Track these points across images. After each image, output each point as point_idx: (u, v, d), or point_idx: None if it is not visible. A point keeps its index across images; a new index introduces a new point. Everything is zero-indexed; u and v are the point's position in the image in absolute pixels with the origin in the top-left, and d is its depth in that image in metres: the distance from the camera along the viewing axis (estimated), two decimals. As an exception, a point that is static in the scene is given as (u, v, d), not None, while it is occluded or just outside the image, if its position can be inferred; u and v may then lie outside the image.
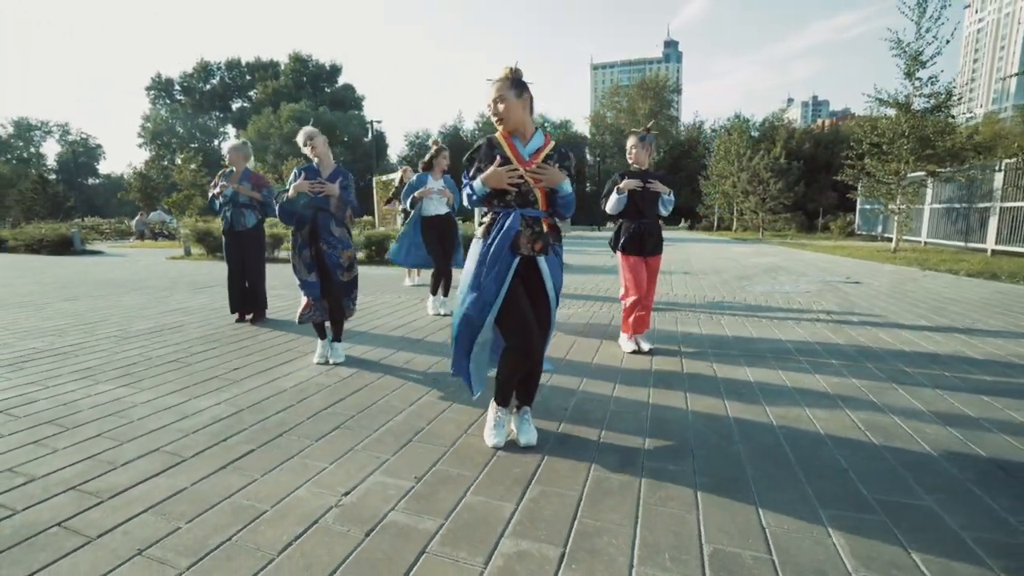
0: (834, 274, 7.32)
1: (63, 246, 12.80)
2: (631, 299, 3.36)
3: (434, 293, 4.68)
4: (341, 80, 55.24)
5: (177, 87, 55.77)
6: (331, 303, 3.14)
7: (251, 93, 55.32)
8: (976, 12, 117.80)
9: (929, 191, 11.82)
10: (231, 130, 57.19)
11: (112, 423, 2.20)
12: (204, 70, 55.53)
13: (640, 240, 3.35)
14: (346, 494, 1.62)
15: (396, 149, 51.46)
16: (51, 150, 65.26)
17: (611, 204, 3.33)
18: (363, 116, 51.27)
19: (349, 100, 53.12)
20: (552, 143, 1.98)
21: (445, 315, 4.50)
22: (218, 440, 2.03)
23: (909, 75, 10.40)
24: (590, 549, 1.35)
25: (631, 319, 3.38)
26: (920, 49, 10.24)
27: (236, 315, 4.39)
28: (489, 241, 1.91)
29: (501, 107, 1.86)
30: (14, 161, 58.76)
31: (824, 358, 3.15)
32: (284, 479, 1.72)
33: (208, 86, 56.00)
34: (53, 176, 45.30)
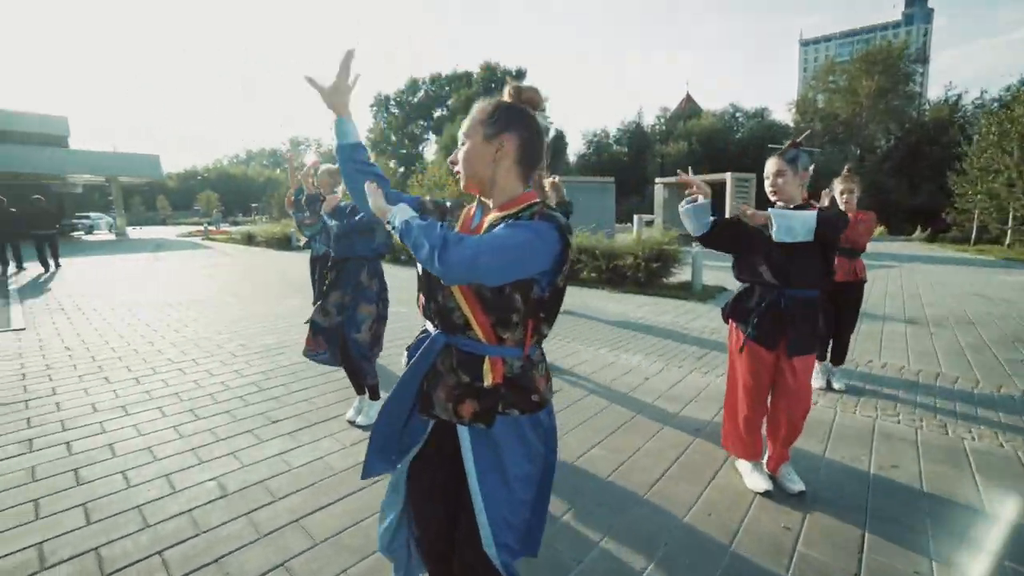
0: None
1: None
2: (742, 417, 2.40)
3: None
4: (526, 83, 57.86)
5: (392, 102, 65.53)
6: (346, 363, 3.08)
7: (448, 102, 61.90)
8: None
9: None
10: (432, 136, 65.21)
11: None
12: (413, 86, 64.17)
13: (778, 323, 2.23)
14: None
15: (574, 149, 52.07)
16: (309, 160, 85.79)
17: (684, 219, 2.23)
18: (545, 117, 53.08)
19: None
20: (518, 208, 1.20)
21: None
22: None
23: None
24: None
25: (744, 435, 2.43)
26: None
27: None
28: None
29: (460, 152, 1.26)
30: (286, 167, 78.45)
31: None
32: None
33: (415, 99, 64.54)
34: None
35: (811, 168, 2.22)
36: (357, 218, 2.87)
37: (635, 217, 11.08)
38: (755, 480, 2.38)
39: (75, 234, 26.69)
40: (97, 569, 1.89)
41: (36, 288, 9.01)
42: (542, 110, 1.28)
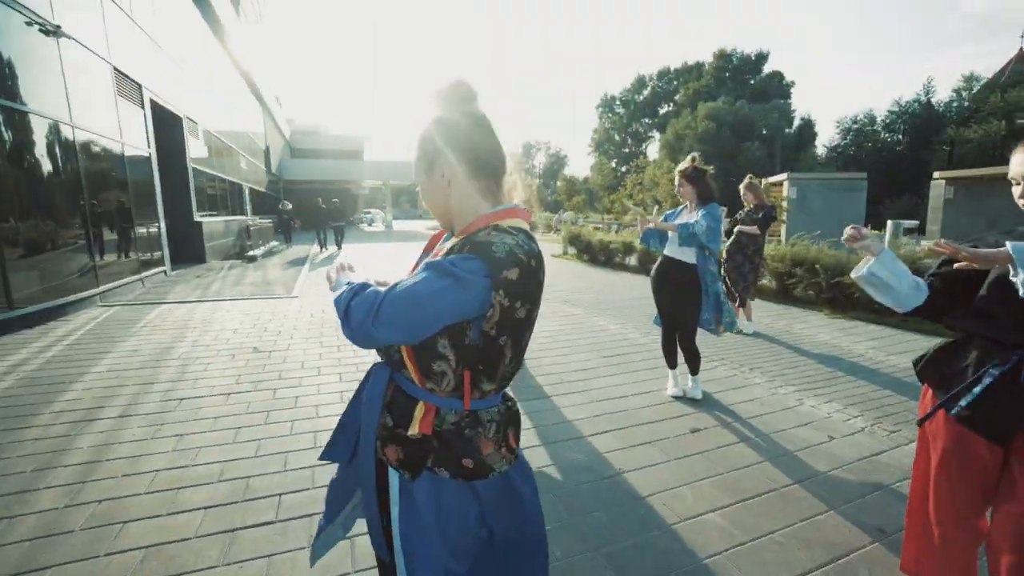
0: None
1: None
2: (938, 533, 1.56)
3: (671, 366, 3.66)
4: (767, 68, 50.97)
5: (618, 102, 65.58)
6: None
7: (676, 97, 58.76)
8: None
9: None
10: (656, 135, 63.08)
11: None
12: (639, 83, 62.88)
13: (1013, 403, 1.32)
14: None
15: (825, 139, 43.73)
16: (538, 162, 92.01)
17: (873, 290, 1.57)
18: (788, 104, 46.12)
19: (773, 89, 48.42)
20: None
21: (691, 399, 3.56)
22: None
23: None
24: None
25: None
26: None
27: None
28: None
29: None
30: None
31: None
32: None
33: (641, 97, 63.16)
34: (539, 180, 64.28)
35: None
36: None
37: (888, 223, 8.55)
38: None
39: (361, 225, 35.03)
40: (242, 495, 2.39)
41: (322, 264, 12.10)
42: (474, 98, 1.02)
